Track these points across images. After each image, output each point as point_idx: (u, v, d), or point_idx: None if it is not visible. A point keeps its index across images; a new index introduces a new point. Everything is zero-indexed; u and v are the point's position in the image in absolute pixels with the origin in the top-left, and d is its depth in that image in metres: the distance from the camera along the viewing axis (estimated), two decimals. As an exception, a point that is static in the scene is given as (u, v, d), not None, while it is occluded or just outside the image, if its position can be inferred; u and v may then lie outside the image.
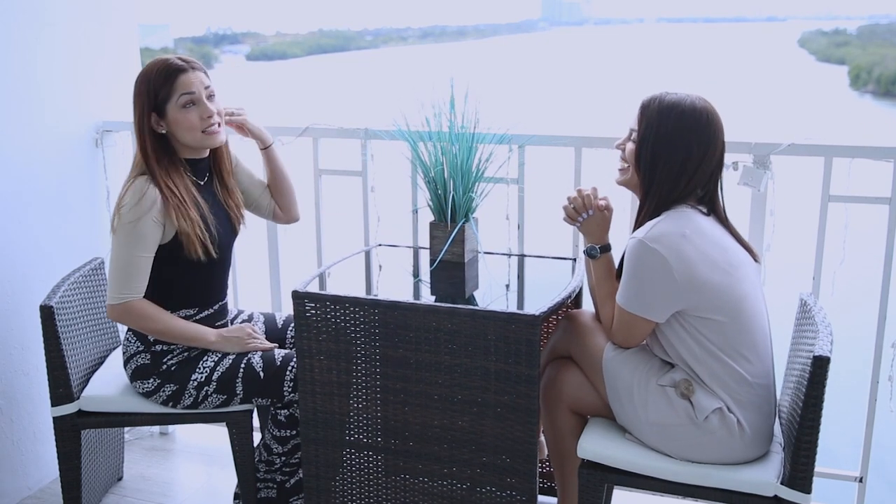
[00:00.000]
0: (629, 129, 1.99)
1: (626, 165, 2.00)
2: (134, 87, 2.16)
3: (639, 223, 1.95)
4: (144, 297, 2.16)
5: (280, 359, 2.23)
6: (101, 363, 2.45)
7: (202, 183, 2.24)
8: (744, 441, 1.86)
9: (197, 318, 2.24)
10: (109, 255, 2.17)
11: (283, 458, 2.33)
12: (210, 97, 2.17)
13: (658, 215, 1.91)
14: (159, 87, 2.11)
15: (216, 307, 2.29)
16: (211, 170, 2.29)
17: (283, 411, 2.27)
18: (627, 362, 1.96)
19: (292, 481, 2.37)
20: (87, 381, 2.34)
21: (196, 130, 2.14)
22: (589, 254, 2.04)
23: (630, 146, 1.98)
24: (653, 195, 1.93)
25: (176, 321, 2.19)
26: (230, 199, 2.31)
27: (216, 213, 2.23)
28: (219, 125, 2.19)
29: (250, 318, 2.46)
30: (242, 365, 2.21)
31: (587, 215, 2.03)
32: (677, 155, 1.89)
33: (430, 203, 2.41)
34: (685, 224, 1.87)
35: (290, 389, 2.21)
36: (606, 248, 2.04)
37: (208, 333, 2.22)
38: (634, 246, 1.86)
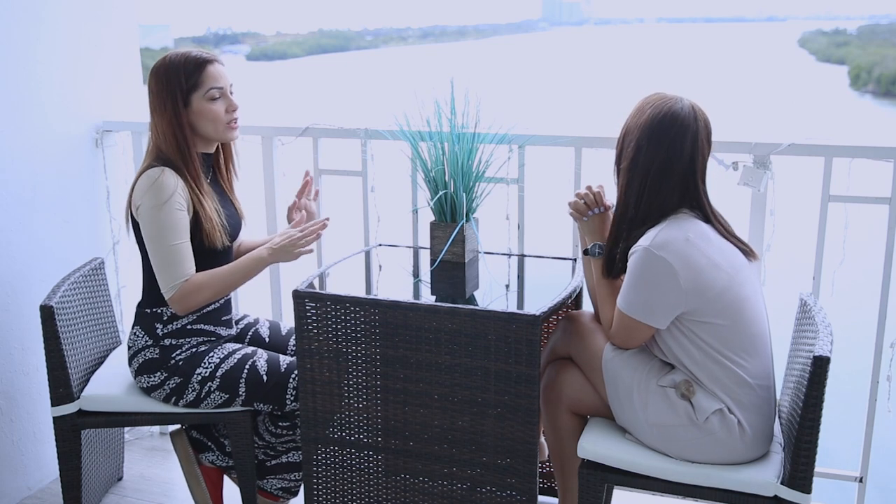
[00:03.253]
0: None
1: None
2: (155, 80, 2.16)
3: (623, 229, 1.95)
4: (152, 288, 2.20)
5: (285, 366, 2.23)
6: (102, 363, 2.45)
7: (209, 178, 2.27)
8: (744, 442, 1.86)
9: (205, 310, 2.25)
10: (149, 251, 2.14)
11: (274, 440, 2.34)
12: (231, 91, 2.21)
13: (655, 223, 1.91)
14: (188, 76, 2.14)
15: (222, 300, 2.29)
16: (215, 165, 2.31)
17: (283, 423, 2.28)
18: (627, 363, 1.96)
19: (272, 462, 2.40)
20: (88, 380, 2.34)
21: (220, 122, 2.18)
22: (592, 252, 2.04)
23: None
24: (637, 202, 1.92)
25: (227, 270, 2.16)
26: (233, 192, 2.35)
27: (224, 205, 2.27)
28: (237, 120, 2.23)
29: (256, 322, 2.46)
30: (247, 366, 2.21)
31: (596, 212, 2.04)
32: (648, 160, 1.89)
33: (431, 203, 2.41)
34: (688, 228, 1.87)
35: (292, 398, 2.21)
36: (595, 249, 2.05)
37: (261, 254, 2.17)
38: (641, 254, 1.86)
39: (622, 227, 1.95)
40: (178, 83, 2.13)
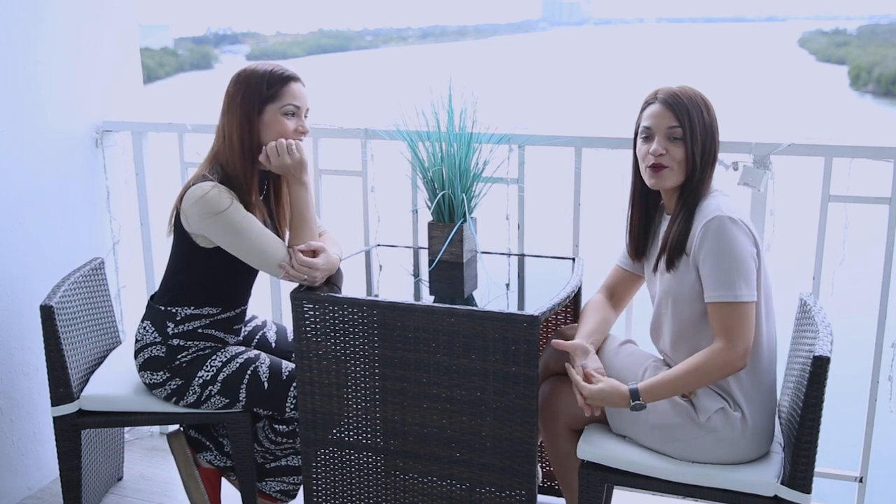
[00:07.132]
0: (661, 129, 1.90)
1: (666, 166, 1.90)
2: (235, 83, 2.14)
3: (676, 216, 1.92)
4: (184, 286, 2.21)
5: (286, 373, 2.23)
6: (102, 362, 2.45)
7: (261, 196, 2.23)
8: (746, 440, 1.86)
9: (219, 317, 2.24)
10: (235, 244, 2.10)
11: (273, 446, 2.33)
12: (306, 115, 2.19)
13: (689, 206, 1.90)
14: (270, 86, 2.12)
15: (238, 310, 2.29)
16: (269, 183, 2.27)
17: (282, 427, 2.27)
18: (624, 364, 1.96)
19: (271, 465, 2.39)
20: (88, 380, 2.34)
21: (285, 138, 2.13)
22: (638, 406, 1.85)
23: (674, 145, 1.90)
24: (691, 187, 1.91)
25: (301, 217, 2.15)
26: (281, 216, 2.28)
27: (266, 225, 2.19)
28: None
29: (264, 325, 2.46)
30: (249, 372, 2.21)
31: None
32: (715, 139, 1.93)
33: (429, 203, 2.41)
34: (729, 200, 1.89)
35: (292, 406, 2.21)
36: (637, 393, 1.84)
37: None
38: (720, 223, 1.80)
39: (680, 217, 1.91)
40: (258, 90, 2.11)
